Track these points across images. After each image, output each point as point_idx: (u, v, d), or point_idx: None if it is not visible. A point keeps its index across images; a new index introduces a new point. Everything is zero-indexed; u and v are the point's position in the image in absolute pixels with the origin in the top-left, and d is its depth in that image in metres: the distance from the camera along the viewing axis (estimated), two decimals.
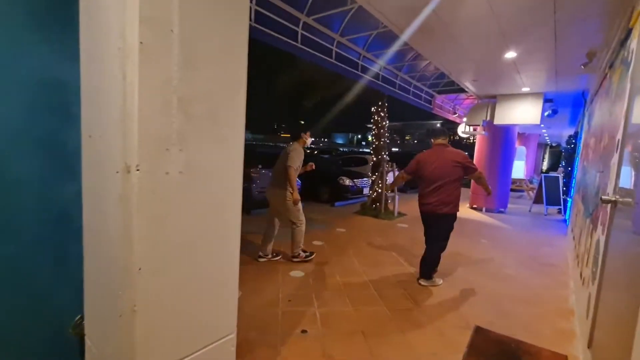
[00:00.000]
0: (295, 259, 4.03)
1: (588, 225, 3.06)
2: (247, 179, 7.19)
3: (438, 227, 3.58)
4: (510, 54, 4.25)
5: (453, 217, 3.56)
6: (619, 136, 2.15)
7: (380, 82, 5.65)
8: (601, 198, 1.99)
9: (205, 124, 1.33)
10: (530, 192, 12.43)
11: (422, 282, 3.63)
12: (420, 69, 6.22)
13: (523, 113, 6.72)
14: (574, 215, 5.15)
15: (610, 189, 2.15)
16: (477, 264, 4.43)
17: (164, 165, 1.22)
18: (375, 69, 5.43)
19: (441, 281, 3.70)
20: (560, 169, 10.47)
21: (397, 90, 6.25)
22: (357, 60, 4.89)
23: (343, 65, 4.57)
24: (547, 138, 18.80)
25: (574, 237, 4.53)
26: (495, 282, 3.78)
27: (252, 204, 7.12)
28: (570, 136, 9.38)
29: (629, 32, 2.43)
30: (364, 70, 5.14)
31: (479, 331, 2.69)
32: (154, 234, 1.22)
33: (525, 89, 6.30)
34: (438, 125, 56.48)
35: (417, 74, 6.31)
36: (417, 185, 3.85)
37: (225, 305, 1.61)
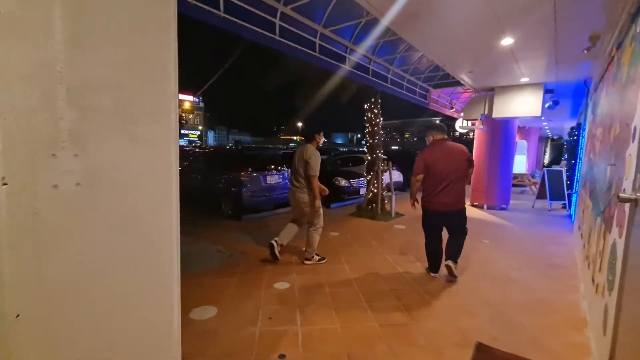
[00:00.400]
0: (307, 262, 4.06)
1: (599, 224, 2.75)
2: (237, 183, 6.90)
3: (456, 222, 3.65)
4: (507, 41, 3.94)
5: (465, 209, 3.66)
6: (636, 123, 1.85)
7: (370, 77, 5.35)
8: (618, 196, 1.68)
9: (112, 121, 1.03)
10: (533, 187, 12.09)
11: (448, 262, 3.60)
12: (414, 62, 5.92)
13: (523, 105, 6.40)
14: (581, 211, 4.83)
15: (627, 185, 1.85)
16: (479, 266, 4.12)
17: (50, 176, 0.92)
18: (364, 62, 5.13)
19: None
20: (563, 162, 10.13)
21: (389, 85, 5.94)
22: (344, 54, 4.59)
23: (328, 59, 4.28)
24: (548, 131, 18.44)
25: (582, 236, 4.22)
26: (498, 288, 3.47)
27: (243, 209, 6.83)
28: (572, 128, 9.04)
29: None
30: (353, 64, 4.85)
31: (481, 349, 2.38)
32: (37, 270, 0.92)
33: (525, 80, 5.98)
34: (436, 122, 56.28)
35: (410, 67, 6.01)
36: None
37: (163, 343, 1.31)
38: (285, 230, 4.14)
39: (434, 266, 3.78)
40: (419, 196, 3.74)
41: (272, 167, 7.50)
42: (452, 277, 3.60)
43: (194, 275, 3.62)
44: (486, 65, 5.10)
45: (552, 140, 24.89)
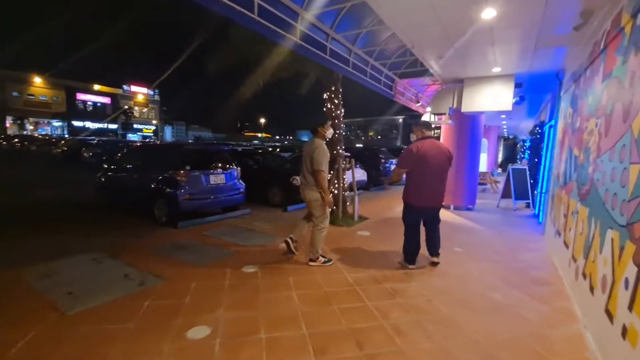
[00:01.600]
0: (312, 263, 3.83)
1: (617, 240, 2.10)
2: (173, 183, 5.72)
3: (436, 217, 3.82)
4: (489, 13, 3.26)
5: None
6: None
7: (329, 57, 4.47)
8: None
9: None
10: (494, 185, 12.07)
11: (434, 259, 3.92)
12: (380, 43, 5.12)
13: (493, 99, 5.92)
14: (560, 214, 4.36)
15: None
16: (455, 284, 3.42)
17: None
18: (321, 38, 4.25)
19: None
20: (525, 162, 10.09)
21: (351, 70, 5.12)
22: (293, 22, 3.66)
23: (271, 26, 3.33)
24: (505, 130, 18.95)
25: (566, 244, 3.69)
26: (482, 318, 2.77)
27: (179, 214, 5.68)
28: (535, 126, 8.91)
29: None
30: (304, 37, 3.94)
31: None
32: None
33: (496, 70, 5.47)
34: (400, 120, 57.28)
35: (375, 49, 5.22)
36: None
37: None
38: (297, 227, 4.03)
39: (412, 259, 3.85)
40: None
41: (218, 165, 6.39)
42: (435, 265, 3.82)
43: (71, 319, 2.51)
44: (459, 49, 4.44)
45: (505, 139, 25.92)
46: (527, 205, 8.44)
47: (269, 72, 6.39)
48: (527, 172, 8.35)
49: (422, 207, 3.65)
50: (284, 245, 4.01)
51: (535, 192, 8.39)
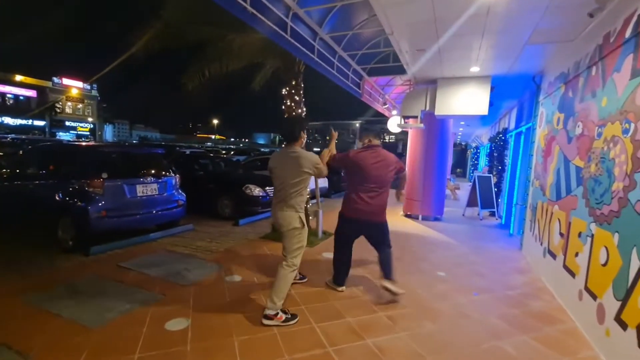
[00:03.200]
0: (267, 322, 2.62)
1: None
2: (83, 196, 4.36)
3: (380, 234, 3.33)
4: None
5: (387, 223, 3.37)
6: None
7: (289, 38, 3.54)
8: None
9: None
10: (454, 192, 12.01)
11: (388, 284, 3.16)
12: (352, 27, 4.30)
13: (469, 101, 5.43)
14: (546, 228, 3.89)
15: None
16: (451, 331, 2.67)
17: None
18: (279, 11, 3.31)
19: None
20: (486, 168, 10.04)
21: (316, 59, 4.24)
22: None
23: None
24: (459, 137, 19.53)
25: (568, 269, 3.15)
26: None
27: (90, 237, 4.33)
28: (498, 133, 8.82)
29: None
30: (258, 6, 2.97)
31: None
32: None
33: (475, 69, 4.97)
34: (357, 125, 58.21)
35: (346, 34, 4.39)
36: (342, 189, 3.41)
37: None
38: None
39: (341, 279, 3.42)
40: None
41: (149, 172, 5.10)
42: (395, 296, 3.16)
43: None
44: (443, 39, 3.79)
45: (454, 145, 27.04)
46: (491, 214, 8.25)
47: (219, 61, 5.27)
48: (492, 181, 8.16)
49: (358, 219, 3.23)
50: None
51: (499, 200, 8.27)
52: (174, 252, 4.39)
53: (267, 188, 7.04)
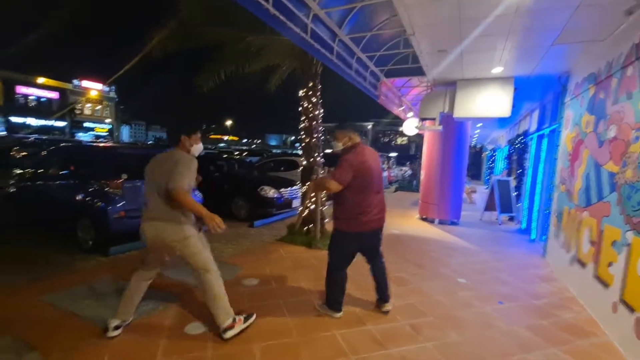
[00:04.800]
0: (228, 333, 2.40)
1: None
2: (102, 197, 4.42)
3: (378, 242, 2.97)
4: None
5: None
6: None
7: (309, 39, 3.51)
8: None
9: None
10: (470, 195, 11.74)
11: (387, 307, 2.98)
12: (372, 28, 4.23)
13: (490, 104, 5.29)
14: (574, 235, 3.72)
15: None
16: (478, 341, 2.57)
17: None
18: (300, 12, 3.27)
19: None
20: (505, 172, 9.79)
21: (335, 60, 4.20)
22: None
23: None
24: (474, 140, 19.15)
25: (600, 279, 3.00)
26: None
27: (110, 237, 4.38)
28: (518, 136, 8.58)
29: None
30: (280, 7, 2.95)
31: None
32: None
33: (497, 70, 4.83)
34: (369, 126, 57.88)
35: (365, 35, 4.32)
36: None
37: None
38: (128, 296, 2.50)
39: (339, 305, 2.91)
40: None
41: None
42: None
43: None
44: (467, 42, 3.69)
45: (470, 148, 26.49)
46: (510, 219, 8.01)
47: (235, 63, 5.28)
48: (511, 184, 7.94)
49: (368, 231, 2.76)
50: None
51: (519, 204, 8.03)
52: None
53: (282, 190, 7.03)
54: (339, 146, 2.87)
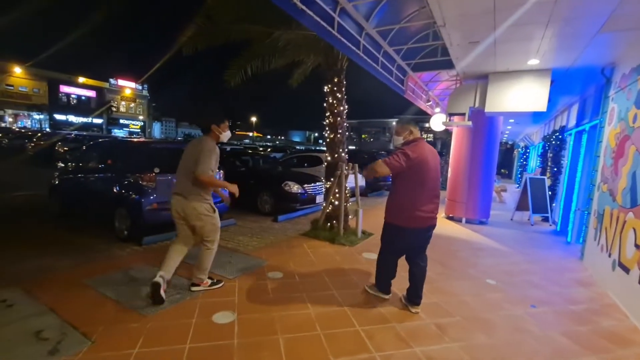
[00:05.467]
0: (195, 288, 3.07)
1: None
2: (137, 189, 4.65)
3: (425, 242, 2.94)
4: None
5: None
6: None
7: (336, 34, 3.49)
8: None
9: None
10: (500, 194, 11.26)
11: (415, 310, 2.92)
12: (400, 20, 4.14)
13: (524, 97, 5.02)
14: (616, 238, 3.47)
15: None
16: (508, 344, 2.46)
17: None
18: (327, 6, 3.26)
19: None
20: (539, 170, 9.29)
21: (361, 54, 4.14)
22: None
23: None
24: (505, 135, 18.30)
25: None
26: None
27: (143, 228, 4.60)
28: (554, 132, 8.10)
29: None
30: (307, 3, 2.94)
31: None
32: None
33: (533, 62, 4.57)
34: (393, 123, 56.86)
35: (393, 28, 4.23)
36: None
37: None
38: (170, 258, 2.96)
39: (388, 287, 3.16)
40: None
41: None
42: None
43: None
44: (501, 32, 3.51)
45: (500, 145, 25.35)
46: (544, 219, 7.61)
47: (261, 58, 5.35)
48: (546, 183, 7.53)
49: (416, 228, 2.76)
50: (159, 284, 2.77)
51: (554, 204, 7.60)
52: (219, 246, 4.52)
53: (306, 185, 7.08)
54: (400, 140, 2.92)
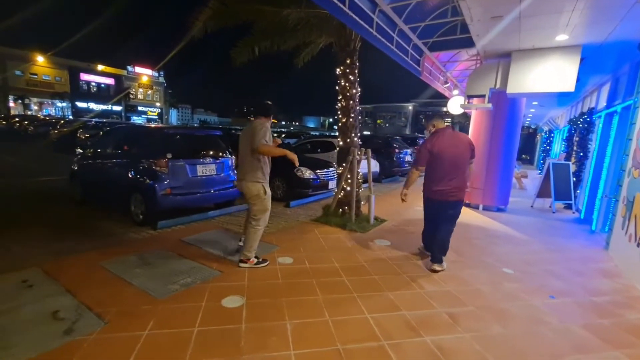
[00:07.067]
0: (242, 265, 3.32)
1: None
2: (150, 174, 4.71)
3: (449, 212, 3.50)
4: None
5: (462, 202, 3.56)
6: None
7: (347, 10, 3.31)
8: None
9: None
10: (520, 180, 10.84)
11: (437, 267, 3.48)
12: None
13: (551, 77, 4.69)
14: None
15: None
16: (524, 336, 2.37)
17: None
18: None
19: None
20: (563, 155, 8.84)
21: (375, 33, 3.94)
22: None
23: None
24: (528, 119, 17.48)
25: None
26: None
27: (158, 212, 4.68)
28: (582, 114, 7.64)
29: None
30: None
31: None
32: None
33: (561, 38, 4.24)
34: (410, 107, 55.48)
35: (409, 2, 3.99)
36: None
37: None
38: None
39: (425, 245, 3.94)
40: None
41: (208, 153, 5.33)
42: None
43: None
44: (527, 4, 3.24)
45: (522, 129, 24.29)
46: (567, 207, 7.28)
47: (270, 39, 5.20)
48: (570, 168, 7.15)
49: (431, 199, 3.54)
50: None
51: (578, 191, 7.24)
52: (230, 231, 4.57)
53: (318, 171, 7.01)
54: (427, 134, 3.62)
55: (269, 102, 3.43)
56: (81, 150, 6.36)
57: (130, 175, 4.95)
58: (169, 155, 4.78)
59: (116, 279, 2.94)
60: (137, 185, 4.84)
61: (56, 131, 17.82)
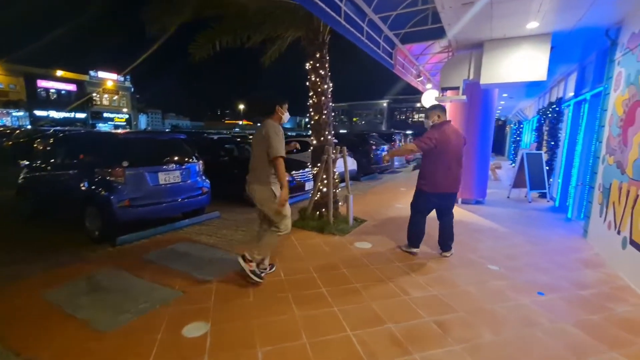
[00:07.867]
0: (242, 263, 3.04)
1: None
2: (104, 186, 4.23)
3: (450, 203, 3.65)
4: None
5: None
6: None
7: None
8: None
9: None
10: (495, 172, 11.03)
11: (448, 254, 3.72)
12: None
13: (523, 66, 4.63)
14: (625, 213, 3.19)
15: None
16: (518, 343, 2.19)
17: None
18: None
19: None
20: (534, 145, 9.01)
21: (343, 22, 3.69)
22: None
23: None
24: (498, 111, 17.95)
25: None
26: None
27: (116, 227, 4.21)
28: (550, 104, 7.77)
29: None
30: None
31: None
32: None
33: (532, 26, 4.17)
34: (385, 104, 56.17)
35: None
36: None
37: None
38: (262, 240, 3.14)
39: (417, 242, 3.79)
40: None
41: (171, 159, 4.88)
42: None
43: None
44: None
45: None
46: (541, 196, 7.39)
47: (233, 33, 4.83)
48: (543, 158, 7.25)
49: (439, 194, 3.51)
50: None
51: (552, 180, 7.36)
52: (198, 243, 4.18)
53: (294, 172, 6.70)
54: (429, 123, 3.53)
55: (269, 96, 3.05)
56: (27, 162, 5.72)
57: (83, 187, 4.44)
58: (125, 164, 4.32)
59: (56, 311, 2.50)
60: (92, 197, 4.35)
61: (10, 142, 16.46)
